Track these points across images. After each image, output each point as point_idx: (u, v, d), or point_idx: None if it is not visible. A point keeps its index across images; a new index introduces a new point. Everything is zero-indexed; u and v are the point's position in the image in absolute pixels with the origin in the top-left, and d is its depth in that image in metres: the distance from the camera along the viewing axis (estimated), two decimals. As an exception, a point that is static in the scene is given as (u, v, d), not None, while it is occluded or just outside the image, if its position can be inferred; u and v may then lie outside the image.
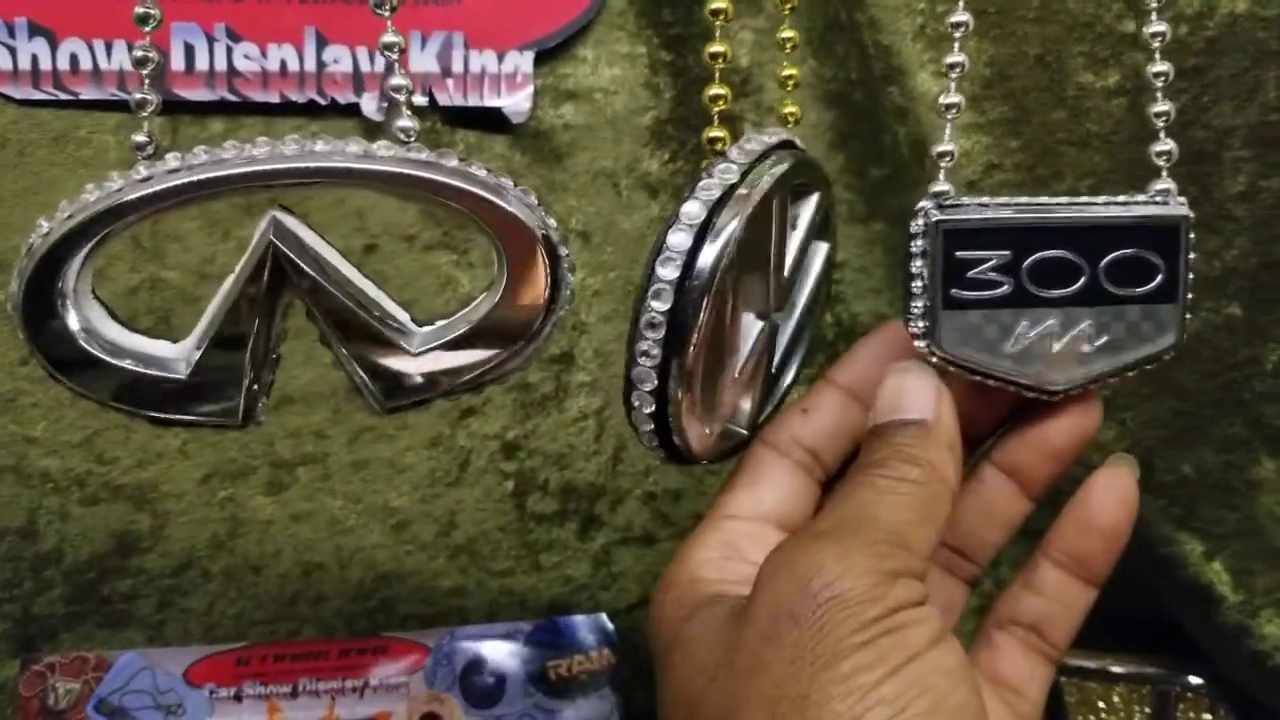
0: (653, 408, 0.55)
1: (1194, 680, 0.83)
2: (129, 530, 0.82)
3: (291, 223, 0.53)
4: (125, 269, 0.79)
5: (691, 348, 0.53)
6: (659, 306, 0.53)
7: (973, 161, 0.77)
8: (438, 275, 0.82)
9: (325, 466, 0.84)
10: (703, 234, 0.53)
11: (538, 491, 0.87)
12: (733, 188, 0.54)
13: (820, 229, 0.64)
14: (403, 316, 0.54)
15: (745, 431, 0.61)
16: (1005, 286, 0.55)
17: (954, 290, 0.55)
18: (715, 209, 0.54)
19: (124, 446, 0.81)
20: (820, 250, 0.65)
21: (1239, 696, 0.82)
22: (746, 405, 0.61)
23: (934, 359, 0.55)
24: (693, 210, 0.53)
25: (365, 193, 0.52)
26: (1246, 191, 0.74)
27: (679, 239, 0.53)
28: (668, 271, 0.53)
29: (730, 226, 0.53)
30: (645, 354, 0.53)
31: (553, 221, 0.53)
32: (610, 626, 0.87)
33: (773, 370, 0.62)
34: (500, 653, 0.86)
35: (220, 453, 0.82)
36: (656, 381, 0.54)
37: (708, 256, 0.53)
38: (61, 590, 0.82)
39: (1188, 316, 0.58)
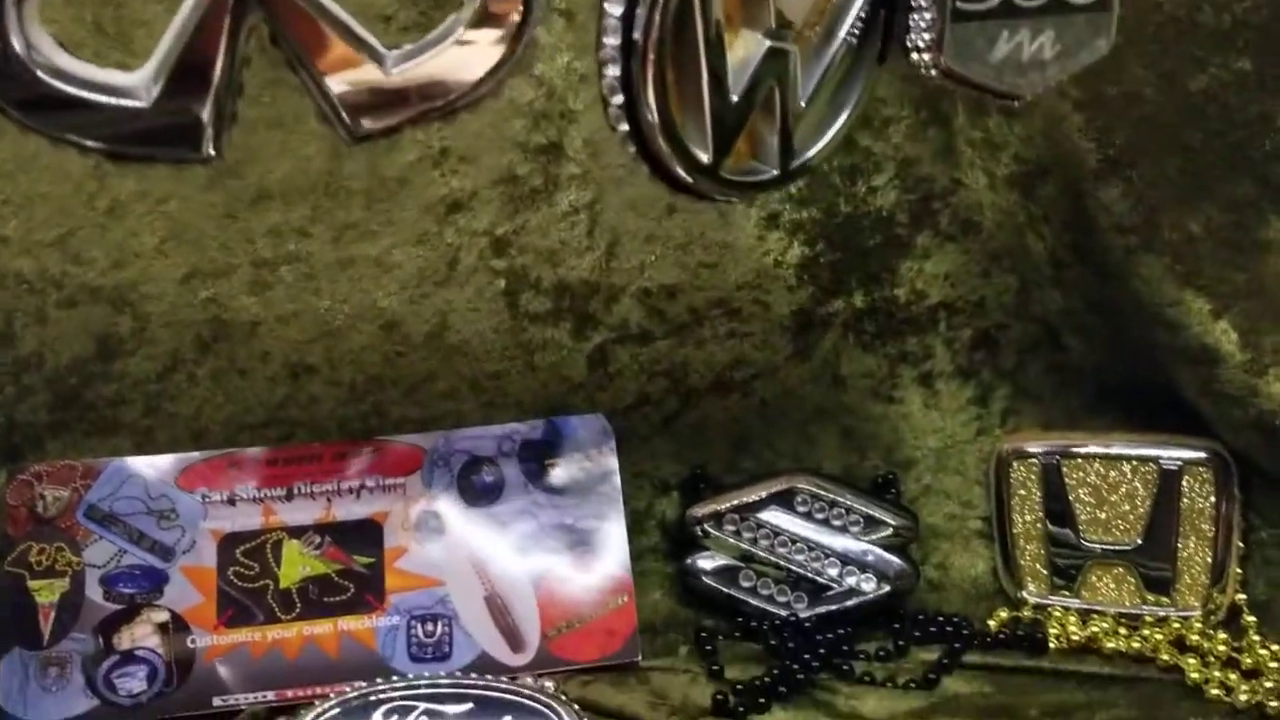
0: (626, 127, 0.52)
1: (1198, 455, 0.82)
2: (110, 333, 0.80)
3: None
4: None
5: (649, 57, 0.51)
6: (614, 10, 0.51)
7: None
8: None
9: (309, 265, 0.82)
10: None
11: (530, 290, 0.85)
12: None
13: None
14: (373, 40, 0.52)
15: (774, 171, 0.59)
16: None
17: (959, 3, 0.56)
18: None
19: (99, 245, 0.78)
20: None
21: (1243, 468, 0.81)
22: (773, 140, 0.58)
23: (934, 72, 0.54)
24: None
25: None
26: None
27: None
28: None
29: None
30: (608, 61, 0.51)
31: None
32: (609, 427, 0.86)
33: (799, 101, 0.59)
34: (497, 453, 0.85)
35: (200, 251, 0.80)
36: (623, 95, 0.52)
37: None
38: (44, 397, 0.81)
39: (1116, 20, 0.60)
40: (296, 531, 0.82)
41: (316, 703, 0.72)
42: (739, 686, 0.77)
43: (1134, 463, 0.83)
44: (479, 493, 0.84)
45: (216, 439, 0.83)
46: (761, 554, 0.85)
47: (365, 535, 0.82)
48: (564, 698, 0.73)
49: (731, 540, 0.86)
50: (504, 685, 0.72)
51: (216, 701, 0.77)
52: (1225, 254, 0.74)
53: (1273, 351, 0.73)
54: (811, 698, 0.78)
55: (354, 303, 0.83)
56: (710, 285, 0.86)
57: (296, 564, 0.81)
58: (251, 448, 0.83)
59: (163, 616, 0.79)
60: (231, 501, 0.82)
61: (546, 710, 0.72)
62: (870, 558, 0.85)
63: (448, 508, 0.84)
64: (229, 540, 0.81)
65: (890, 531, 0.85)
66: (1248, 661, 0.79)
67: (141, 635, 0.78)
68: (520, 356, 0.86)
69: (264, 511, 0.82)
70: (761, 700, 0.76)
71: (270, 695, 0.78)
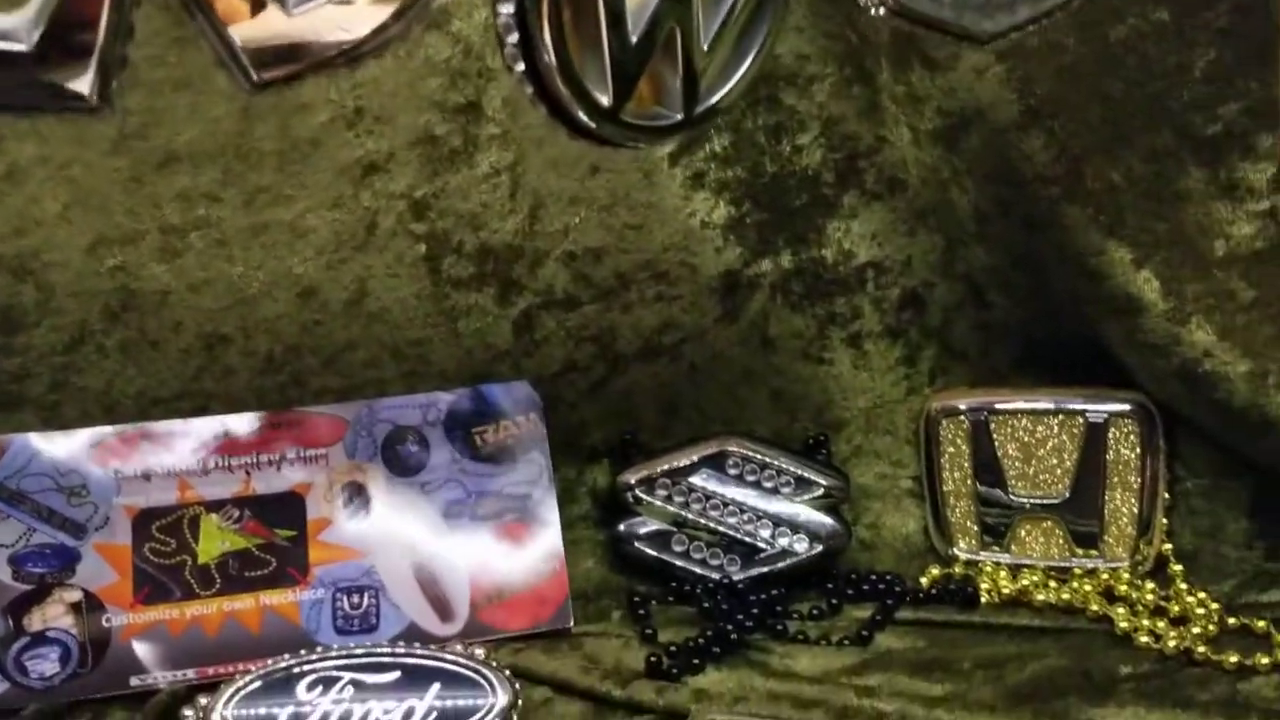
0: (522, 67, 0.51)
1: (1123, 407, 0.82)
2: (12, 304, 0.77)
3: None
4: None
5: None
6: None
7: None
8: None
9: (220, 231, 0.79)
10: None
11: (452, 255, 0.83)
12: None
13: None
14: (276, -21, 0.50)
15: (678, 115, 0.58)
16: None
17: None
18: None
19: (-1, 212, 0.75)
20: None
21: (1167, 420, 0.82)
22: (676, 84, 0.57)
23: (882, 10, 0.53)
24: None
25: None
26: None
27: None
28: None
29: None
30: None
31: None
32: (535, 395, 0.85)
33: (702, 44, 0.58)
34: (422, 422, 0.83)
35: (105, 217, 0.77)
36: (519, 34, 0.50)
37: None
38: (-56, 372, 0.78)
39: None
40: (214, 506, 0.79)
41: (237, 677, 0.70)
42: (672, 648, 0.77)
43: (1060, 417, 0.84)
44: (404, 463, 0.82)
45: (129, 413, 0.80)
46: (694, 518, 0.85)
47: (286, 508, 0.80)
48: (495, 664, 0.71)
49: (663, 505, 0.85)
50: (431, 653, 0.71)
51: (134, 681, 0.75)
52: (1146, 204, 0.74)
53: (1194, 300, 0.74)
54: (745, 658, 0.77)
55: (268, 269, 0.80)
56: (636, 248, 0.84)
57: (215, 539, 0.79)
58: (166, 421, 0.80)
59: (75, 596, 0.76)
60: (146, 477, 0.79)
61: (475, 676, 0.70)
62: (802, 519, 0.85)
63: (372, 479, 0.82)
64: (144, 516, 0.78)
65: (821, 492, 0.85)
66: (1175, 609, 0.80)
67: (53, 615, 0.76)
68: (443, 323, 0.84)
69: (180, 486, 0.80)
70: (695, 661, 0.76)
71: (191, 673, 0.75)
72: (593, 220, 0.83)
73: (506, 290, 0.84)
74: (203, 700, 0.71)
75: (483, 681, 0.70)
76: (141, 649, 0.75)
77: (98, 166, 0.76)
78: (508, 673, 0.71)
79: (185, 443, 0.80)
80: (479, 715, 0.69)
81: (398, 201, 0.81)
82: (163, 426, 0.80)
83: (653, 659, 0.76)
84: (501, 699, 0.70)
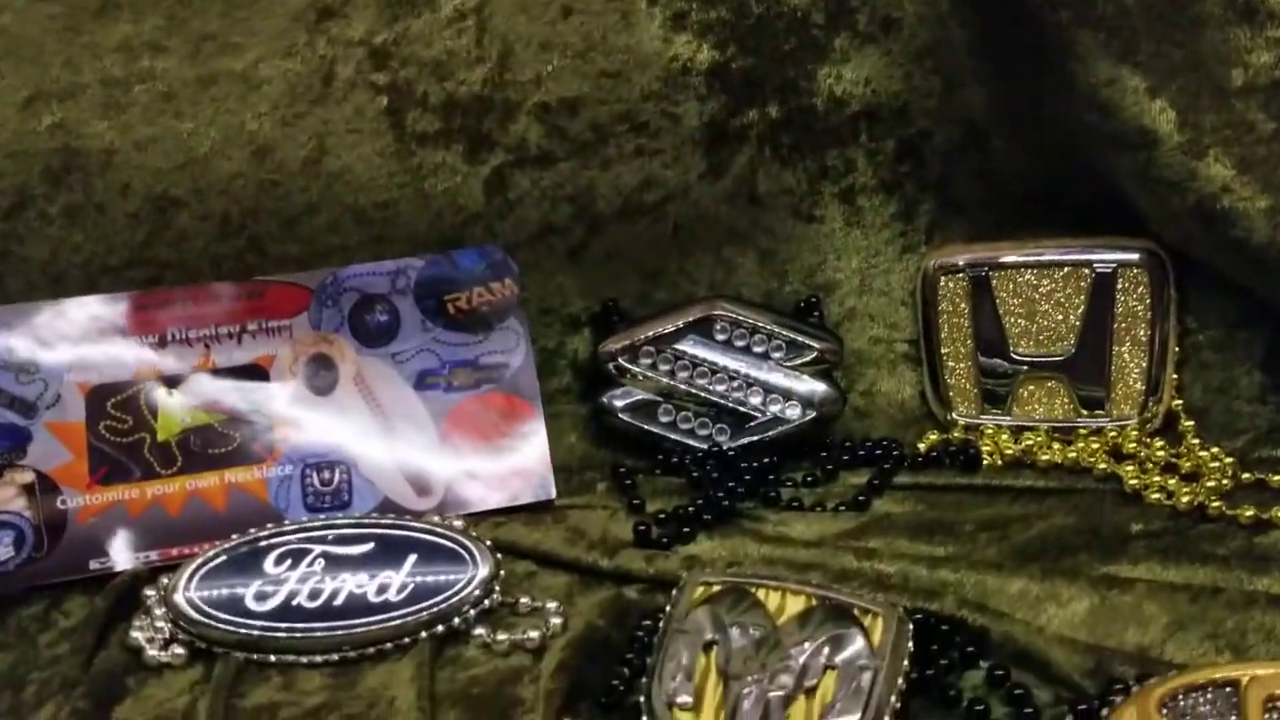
0: None
1: (1132, 256, 0.78)
2: (-58, 166, 0.72)
3: None
4: None
5: None
6: None
7: None
8: None
9: (166, 84, 0.74)
10: None
11: (416, 108, 0.78)
12: None
13: None
14: None
15: None
16: None
17: None
18: None
19: (-79, 64, 0.70)
20: None
21: (1179, 267, 0.78)
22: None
23: None
24: None
25: None
26: None
27: None
28: None
29: None
30: None
31: None
32: (509, 258, 0.80)
33: None
34: (391, 290, 0.78)
35: (41, 70, 0.72)
36: None
37: None
38: None
39: None
40: (172, 381, 0.75)
41: (199, 554, 0.66)
42: (662, 515, 0.73)
43: (1066, 269, 0.79)
44: (373, 332, 0.78)
45: (76, 284, 0.76)
46: (681, 386, 0.80)
47: (250, 381, 0.76)
48: (474, 535, 0.68)
49: (648, 374, 0.80)
50: (408, 523, 0.67)
51: (94, 565, 0.71)
52: (1161, 28, 0.69)
53: (1211, 132, 0.69)
54: (738, 525, 0.73)
55: (220, 126, 0.75)
56: (614, 97, 0.79)
57: (174, 415, 0.75)
58: (116, 293, 0.75)
59: (28, 477, 0.72)
60: (98, 351, 0.74)
61: (454, 547, 0.67)
62: (794, 385, 0.80)
63: (340, 350, 0.77)
64: (98, 393, 0.74)
65: (814, 356, 0.81)
66: (1186, 465, 0.76)
67: (5, 498, 0.71)
68: (410, 184, 0.79)
69: (135, 360, 0.75)
70: (686, 529, 0.72)
71: (153, 555, 0.71)
72: (567, 68, 0.78)
73: (476, 147, 0.79)
74: (164, 580, 0.67)
75: (462, 552, 0.66)
76: (100, 531, 0.71)
77: (30, 14, 0.71)
78: (489, 543, 0.67)
79: (140, 315, 0.75)
80: (458, 588, 0.65)
81: (356, 49, 0.75)
82: (113, 299, 0.75)
83: (641, 528, 0.72)
84: (482, 570, 0.66)
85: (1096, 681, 0.58)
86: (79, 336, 0.74)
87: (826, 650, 0.58)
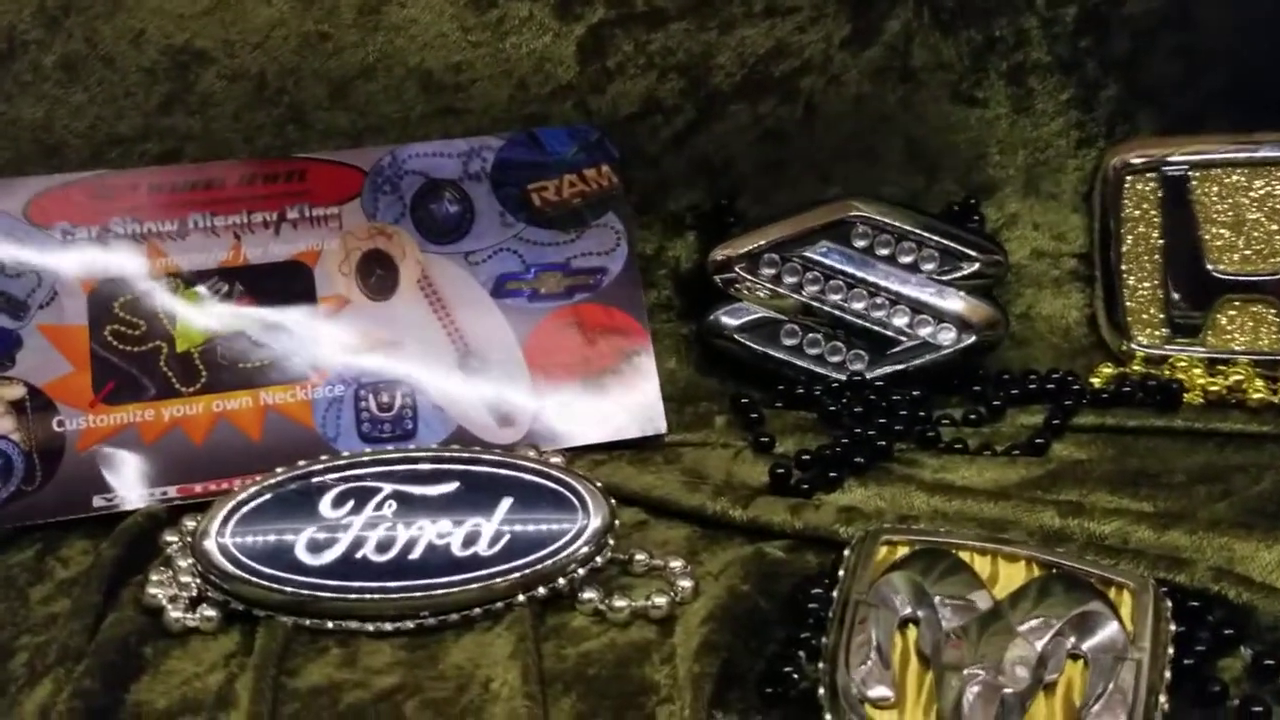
0: None
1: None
2: (-90, -2, 0.59)
3: None
4: None
5: None
6: None
7: None
8: None
9: (192, -99, 0.60)
10: None
11: (497, -54, 0.64)
12: None
13: None
14: None
15: None
16: None
17: None
18: None
19: None
20: None
21: None
22: None
23: None
24: None
25: None
26: None
27: None
28: None
29: None
30: None
31: None
32: (609, 140, 0.67)
33: None
34: (463, 175, 0.65)
35: (32, -123, 0.58)
36: None
37: None
38: None
39: None
40: (195, 278, 0.63)
41: (236, 492, 0.53)
42: (805, 457, 0.60)
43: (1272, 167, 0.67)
44: (441, 225, 0.66)
45: (77, 156, 0.65)
46: (809, 303, 0.69)
47: (290, 281, 0.64)
48: (581, 475, 0.54)
49: (768, 288, 0.69)
50: (503, 458, 0.53)
51: (98, 501, 0.60)
52: None
53: None
54: (889, 471, 0.61)
55: (256, -44, 0.62)
56: (736, -57, 0.66)
57: (197, 321, 0.61)
58: (128, 169, 0.64)
59: (16, 392, 0.61)
60: (104, 240, 0.63)
61: (560, 489, 0.53)
62: (948, 303, 0.68)
63: (400, 246, 0.64)
64: (103, 290, 0.63)
65: (975, 269, 0.68)
66: None
67: (-13, 418, 0.59)
68: (488, 42, 0.67)
69: (149, 252, 0.63)
70: (833, 474, 0.59)
71: (172, 491, 0.60)
72: (686, -102, 0.64)
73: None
74: (189, 523, 0.54)
75: (570, 496, 0.53)
76: (106, 460, 0.59)
77: None
78: (599, 486, 0.54)
79: (155, 197, 0.63)
80: (565, 541, 0.52)
81: None
82: (122, 175, 0.64)
83: (779, 471, 0.59)
84: (595, 520, 0.53)
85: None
86: (80, 221, 0.62)
87: (1071, 635, 0.45)
